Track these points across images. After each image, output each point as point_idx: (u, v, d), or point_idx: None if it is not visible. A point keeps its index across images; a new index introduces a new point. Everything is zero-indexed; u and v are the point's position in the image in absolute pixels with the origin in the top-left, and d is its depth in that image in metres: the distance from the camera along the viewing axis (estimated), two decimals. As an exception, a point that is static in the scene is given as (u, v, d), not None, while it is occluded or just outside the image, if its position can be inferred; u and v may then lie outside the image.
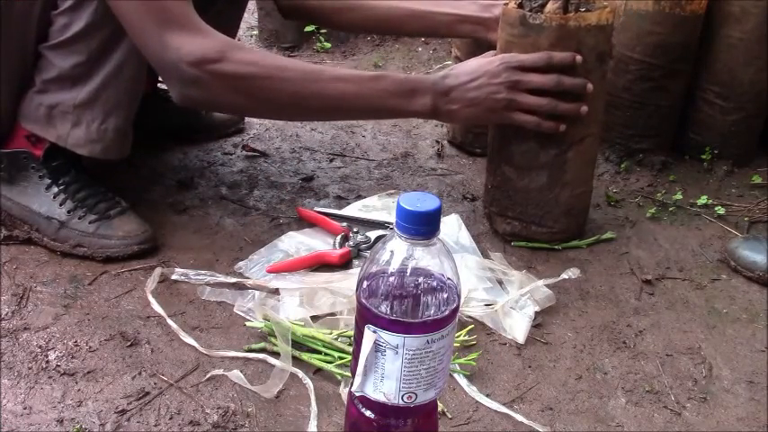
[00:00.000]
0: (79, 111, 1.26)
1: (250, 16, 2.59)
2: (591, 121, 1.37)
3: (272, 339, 1.14)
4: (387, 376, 0.79)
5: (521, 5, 1.33)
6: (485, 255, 1.39)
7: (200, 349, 1.14)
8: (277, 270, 1.29)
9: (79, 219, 1.31)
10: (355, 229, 1.41)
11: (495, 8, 1.44)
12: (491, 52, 1.35)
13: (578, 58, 1.26)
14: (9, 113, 1.31)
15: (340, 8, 1.52)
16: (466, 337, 1.18)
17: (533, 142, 1.36)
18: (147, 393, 1.06)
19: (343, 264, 1.33)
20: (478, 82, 1.25)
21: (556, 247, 1.44)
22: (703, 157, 1.78)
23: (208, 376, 1.09)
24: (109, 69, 1.25)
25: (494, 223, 1.48)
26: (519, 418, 1.06)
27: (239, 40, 1.89)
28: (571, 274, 1.31)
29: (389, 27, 1.57)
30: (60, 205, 1.32)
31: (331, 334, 1.14)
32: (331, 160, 1.73)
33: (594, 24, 1.29)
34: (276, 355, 1.12)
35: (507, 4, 1.35)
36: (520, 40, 1.31)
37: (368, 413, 0.84)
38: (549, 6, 1.31)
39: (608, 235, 1.48)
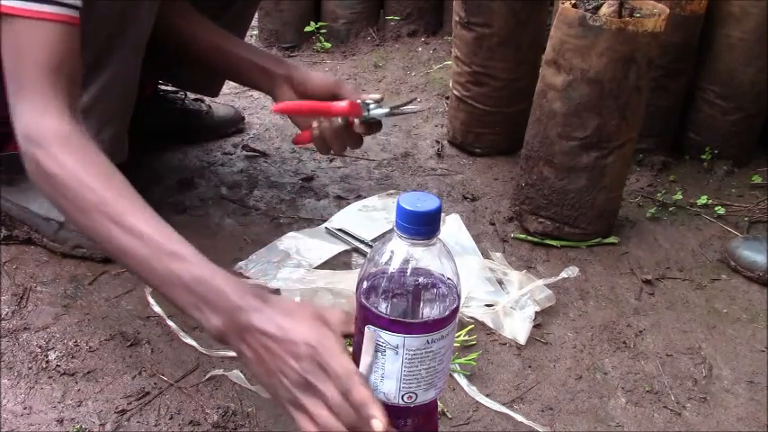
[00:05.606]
0: None
1: (250, 16, 2.58)
2: (633, 126, 1.38)
3: (272, 339, 1.14)
4: (387, 376, 0.79)
5: (575, 6, 1.33)
6: (485, 255, 1.39)
7: (200, 349, 1.14)
8: (284, 110, 1.28)
9: (78, 220, 1.30)
10: (370, 103, 1.21)
11: (290, 68, 1.38)
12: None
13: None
14: (8, 118, 1.30)
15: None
16: (466, 337, 1.18)
17: (577, 144, 1.37)
18: (147, 393, 1.06)
19: (354, 114, 1.19)
20: (276, 348, 0.87)
21: (554, 244, 1.45)
22: (703, 157, 1.78)
23: (208, 376, 1.09)
24: (103, 81, 1.25)
25: (524, 221, 1.48)
26: (519, 418, 1.06)
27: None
28: (570, 272, 1.32)
29: (202, 59, 1.47)
30: (59, 206, 1.31)
31: (331, 334, 1.14)
32: (331, 160, 1.73)
33: (650, 31, 1.30)
34: (276, 355, 1.12)
35: (564, 3, 1.35)
36: (576, 40, 1.31)
37: (368, 413, 0.84)
38: (605, 9, 1.31)
39: (611, 239, 1.48)
